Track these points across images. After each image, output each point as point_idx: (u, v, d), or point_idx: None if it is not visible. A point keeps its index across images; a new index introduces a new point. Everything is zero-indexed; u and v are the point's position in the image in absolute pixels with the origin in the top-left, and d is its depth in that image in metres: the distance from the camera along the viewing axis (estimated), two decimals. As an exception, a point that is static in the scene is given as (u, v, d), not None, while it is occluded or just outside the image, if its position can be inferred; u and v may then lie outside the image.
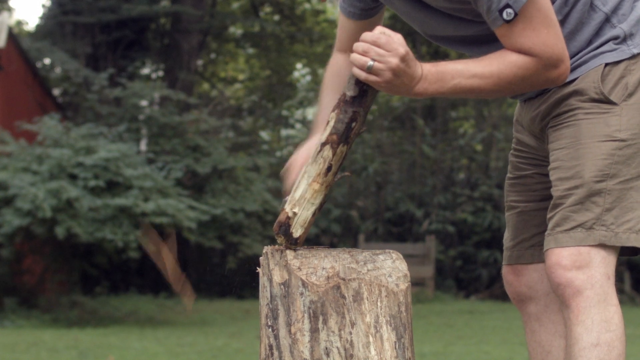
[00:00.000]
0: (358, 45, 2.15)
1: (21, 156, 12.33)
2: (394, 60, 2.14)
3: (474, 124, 20.05)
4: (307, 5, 22.06)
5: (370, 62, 2.13)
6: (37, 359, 8.04)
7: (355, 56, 2.15)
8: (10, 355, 8.17)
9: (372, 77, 2.14)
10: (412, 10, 2.44)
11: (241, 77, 23.70)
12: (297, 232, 2.19)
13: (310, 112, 23.79)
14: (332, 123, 2.17)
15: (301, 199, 2.18)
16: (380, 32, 2.15)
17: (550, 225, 2.35)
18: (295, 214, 2.18)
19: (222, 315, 13.56)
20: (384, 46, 2.14)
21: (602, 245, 2.29)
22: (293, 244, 2.20)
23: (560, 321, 2.57)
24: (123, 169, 12.17)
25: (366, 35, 2.16)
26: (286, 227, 2.18)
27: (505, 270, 2.66)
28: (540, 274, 2.60)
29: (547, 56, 2.24)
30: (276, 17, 22.18)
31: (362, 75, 2.14)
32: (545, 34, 2.23)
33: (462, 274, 17.92)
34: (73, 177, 12.05)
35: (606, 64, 2.37)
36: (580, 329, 2.26)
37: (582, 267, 2.28)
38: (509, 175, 2.67)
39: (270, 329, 2.16)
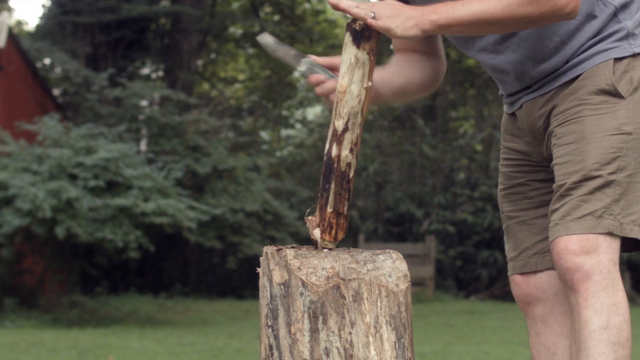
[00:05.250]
0: (342, 3, 2.18)
1: (21, 156, 12.33)
2: (384, 4, 2.21)
3: (474, 124, 20.05)
4: (307, 5, 22.06)
5: (372, 13, 2.18)
6: (37, 359, 8.04)
7: (352, 9, 2.17)
8: (10, 355, 8.17)
9: (381, 22, 2.18)
10: None
11: (241, 77, 23.70)
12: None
13: (310, 112, 23.80)
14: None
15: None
16: None
17: (557, 215, 2.36)
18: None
19: (222, 315, 13.57)
20: (371, 2, 2.20)
21: (608, 233, 2.33)
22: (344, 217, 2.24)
23: (566, 322, 2.58)
24: (123, 169, 12.17)
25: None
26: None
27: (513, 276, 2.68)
28: (548, 275, 2.61)
29: None
30: (276, 17, 22.18)
31: (373, 23, 2.18)
32: None
33: (462, 274, 17.92)
34: (73, 177, 12.05)
35: (614, 59, 2.40)
36: (590, 312, 2.28)
37: (591, 252, 2.31)
38: (501, 186, 2.68)
39: (270, 329, 2.16)
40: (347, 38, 2.19)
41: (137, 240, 12.09)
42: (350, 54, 2.19)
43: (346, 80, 2.20)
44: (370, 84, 2.20)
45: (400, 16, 2.20)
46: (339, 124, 2.21)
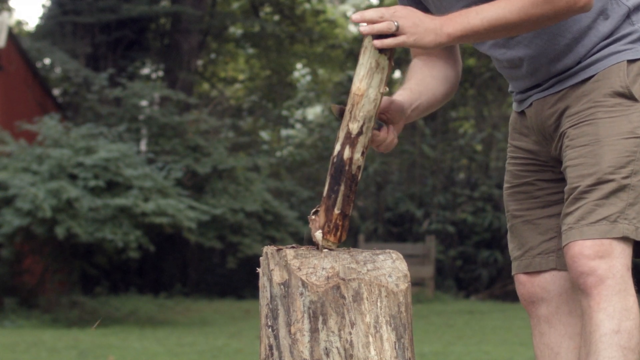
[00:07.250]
0: (366, 15, 2.16)
1: (21, 156, 12.33)
2: (406, 11, 2.19)
3: (474, 124, 20.05)
4: (307, 5, 22.05)
5: (395, 22, 2.16)
6: (37, 359, 8.04)
7: (374, 26, 2.15)
8: (10, 355, 8.17)
9: (401, 38, 2.17)
10: None
11: (241, 77, 23.69)
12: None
13: (310, 112, 23.79)
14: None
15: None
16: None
17: (572, 219, 2.36)
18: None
19: (222, 315, 13.56)
20: (390, 8, 2.18)
21: (622, 238, 2.33)
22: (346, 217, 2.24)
23: (570, 323, 2.59)
24: (123, 169, 12.17)
25: (369, 10, 2.18)
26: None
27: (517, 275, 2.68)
28: (552, 275, 2.61)
29: None
30: (276, 17, 22.18)
31: (390, 42, 2.16)
32: None
33: (462, 274, 17.91)
34: (73, 177, 12.05)
35: (627, 61, 2.40)
36: (602, 315, 2.28)
37: (604, 257, 2.31)
38: (507, 185, 2.67)
39: (270, 329, 2.16)
40: (369, 42, 2.18)
41: (137, 240, 12.09)
42: (371, 58, 2.18)
43: (364, 84, 2.19)
44: (387, 89, 2.20)
45: (419, 28, 2.20)
46: (354, 127, 2.21)
